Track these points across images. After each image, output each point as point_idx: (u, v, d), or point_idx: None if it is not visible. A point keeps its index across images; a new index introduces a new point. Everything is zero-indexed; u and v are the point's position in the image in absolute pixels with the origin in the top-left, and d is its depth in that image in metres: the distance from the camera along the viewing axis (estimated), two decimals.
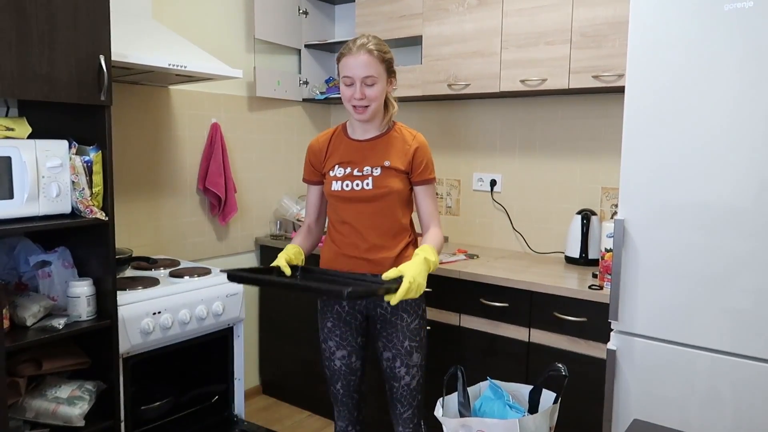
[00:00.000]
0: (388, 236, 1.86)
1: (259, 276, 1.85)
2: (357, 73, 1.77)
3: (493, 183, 2.90)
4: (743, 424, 1.64)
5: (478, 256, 2.65)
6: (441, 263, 2.44)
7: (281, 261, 1.82)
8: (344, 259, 1.89)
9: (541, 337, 2.19)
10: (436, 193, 3.01)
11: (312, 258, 2.04)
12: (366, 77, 1.77)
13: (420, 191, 1.91)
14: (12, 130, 1.78)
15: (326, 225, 2.04)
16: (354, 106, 1.81)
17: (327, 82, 3.34)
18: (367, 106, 1.80)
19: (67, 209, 1.84)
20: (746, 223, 1.61)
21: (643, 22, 1.73)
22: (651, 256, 1.76)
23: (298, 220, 3.03)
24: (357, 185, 1.84)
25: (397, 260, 1.85)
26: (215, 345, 2.36)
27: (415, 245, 1.90)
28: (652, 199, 1.75)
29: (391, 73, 1.85)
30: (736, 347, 1.64)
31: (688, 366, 1.72)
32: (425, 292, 1.78)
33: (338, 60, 1.83)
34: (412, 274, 1.61)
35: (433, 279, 2.37)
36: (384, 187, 1.84)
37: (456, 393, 1.30)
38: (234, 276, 1.74)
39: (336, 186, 1.87)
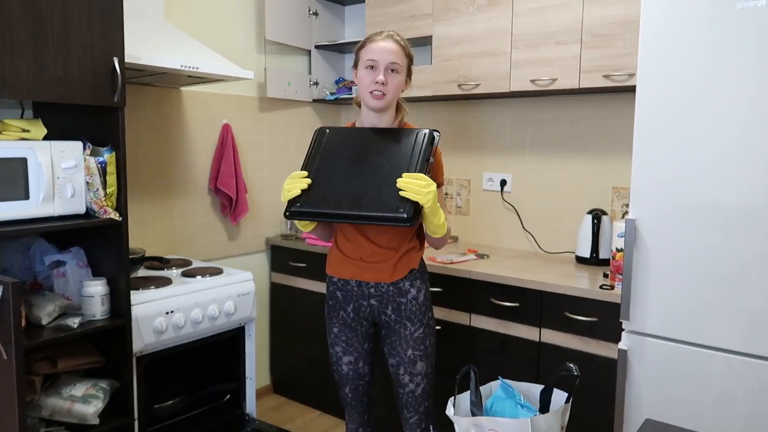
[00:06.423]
0: (392, 240, 1.81)
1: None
2: (383, 57, 1.73)
3: (503, 183, 2.90)
4: (756, 425, 1.63)
5: (488, 256, 2.65)
6: (452, 263, 2.45)
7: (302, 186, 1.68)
8: (348, 264, 1.85)
9: (551, 336, 2.18)
10: (445, 194, 3.03)
11: (320, 262, 2.03)
12: (391, 63, 1.74)
13: None
14: (28, 131, 1.81)
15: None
16: (371, 92, 1.75)
17: (337, 82, 3.35)
18: (385, 94, 1.75)
19: (82, 209, 1.86)
20: (759, 222, 1.60)
21: (654, 21, 1.72)
22: (663, 255, 1.75)
23: None
24: None
25: (398, 264, 1.81)
26: (227, 344, 2.38)
27: (419, 250, 1.86)
28: (663, 199, 1.74)
29: (409, 72, 1.83)
30: (749, 347, 1.63)
31: (700, 366, 1.71)
32: (435, 292, 1.75)
33: (360, 47, 1.79)
34: (427, 199, 1.59)
35: (443, 279, 2.39)
36: None
37: (468, 392, 1.30)
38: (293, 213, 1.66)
39: None
